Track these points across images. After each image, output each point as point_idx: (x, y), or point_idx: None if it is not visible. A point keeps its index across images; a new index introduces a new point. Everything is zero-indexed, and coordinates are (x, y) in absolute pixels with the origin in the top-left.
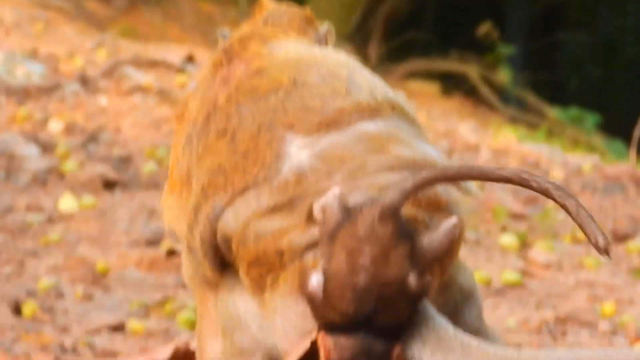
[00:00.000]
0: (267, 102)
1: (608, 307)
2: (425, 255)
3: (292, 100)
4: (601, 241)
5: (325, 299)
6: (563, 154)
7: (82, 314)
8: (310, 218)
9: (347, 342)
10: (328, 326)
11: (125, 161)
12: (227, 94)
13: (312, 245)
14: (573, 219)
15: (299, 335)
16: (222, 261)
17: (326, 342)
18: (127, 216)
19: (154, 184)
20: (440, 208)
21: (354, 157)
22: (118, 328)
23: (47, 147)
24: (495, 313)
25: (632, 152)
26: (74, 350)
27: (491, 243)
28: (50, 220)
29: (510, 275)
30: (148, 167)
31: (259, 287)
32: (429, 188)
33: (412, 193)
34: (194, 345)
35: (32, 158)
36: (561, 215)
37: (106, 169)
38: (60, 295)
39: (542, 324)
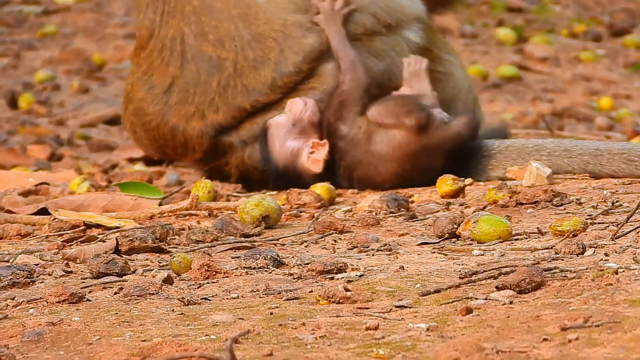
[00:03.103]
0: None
1: (605, 101)
2: None
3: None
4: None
5: None
6: None
7: (77, 106)
8: None
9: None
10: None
11: None
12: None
13: None
14: None
15: None
16: None
17: (319, 153)
18: (123, 8)
19: None
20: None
21: None
22: (114, 121)
23: None
24: (492, 107)
25: None
26: (70, 142)
27: (487, 37)
28: (47, 12)
29: (507, 69)
30: None
31: None
32: None
33: None
34: None
35: None
36: (558, 8)
37: None
38: (56, 87)
39: (539, 118)
